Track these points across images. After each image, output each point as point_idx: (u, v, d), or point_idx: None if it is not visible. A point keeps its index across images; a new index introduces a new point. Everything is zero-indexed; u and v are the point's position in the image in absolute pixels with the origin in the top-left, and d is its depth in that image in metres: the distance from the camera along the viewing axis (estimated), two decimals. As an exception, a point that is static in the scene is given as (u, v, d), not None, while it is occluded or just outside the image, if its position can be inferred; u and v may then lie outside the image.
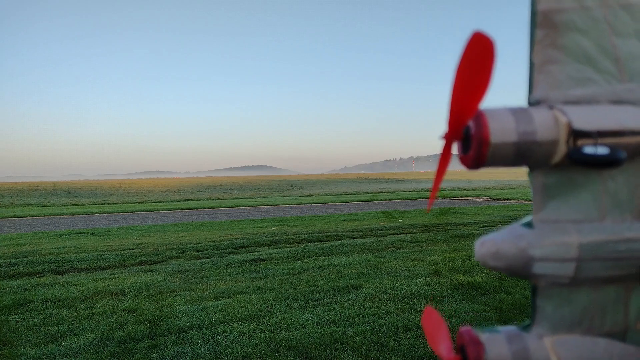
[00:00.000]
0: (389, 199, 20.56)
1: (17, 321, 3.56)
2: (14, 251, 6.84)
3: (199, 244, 7.12)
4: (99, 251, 6.66)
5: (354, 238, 7.44)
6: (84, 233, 9.24)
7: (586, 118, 0.29)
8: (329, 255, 5.96)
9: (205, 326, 3.33)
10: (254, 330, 3.23)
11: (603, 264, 0.30)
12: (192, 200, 23.36)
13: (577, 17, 0.30)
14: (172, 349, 2.95)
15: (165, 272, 5.18)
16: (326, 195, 25.33)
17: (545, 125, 0.29)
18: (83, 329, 3.35)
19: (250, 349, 2.89)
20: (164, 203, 20.89)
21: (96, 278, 4.96)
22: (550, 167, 0.30)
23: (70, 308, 3.87)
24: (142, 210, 15.96)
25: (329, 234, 7.96)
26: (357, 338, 3.01)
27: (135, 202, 22.00)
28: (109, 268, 5.54)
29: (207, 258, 6.00)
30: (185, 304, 3.90)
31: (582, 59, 0.30)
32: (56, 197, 27.88)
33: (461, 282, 4.30)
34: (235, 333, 3.18)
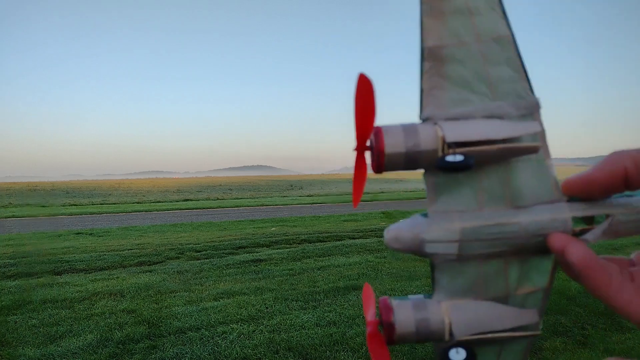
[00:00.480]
0: (390, 199, 20.55)
1: (16, 322, 3.54)
2: (13, 251, 6.81)
3: (198, 244, 7.10)
4: (97, 251, 6.64)
5: (354, 239, 7.43)
6: (82, 233, 9.22)
7: (457, 131, 0.37)
8: (329, 256, 5.94)
9: (204, 327, 3.32)
10: (254, 331, 3.21)
11: (481, 243, 0.38)
12: (191, 200, 23.33)
13: (456, 51, 0.38)
14: (171, 350, 2.93)
15: (164, 272, 5.16)
16: (326, 195, 25.32)
17: (428, 138, 0.37)
18: (82, 329, 3.34)
19: (249, 350, 2.88)
20: (163, 203, 20.87)
21: (95, 279, 4.94)
22: (436, 170, 0.39)
23: (69, 309, 3.85)
24: (141, 211, 15.93)
25: (329, 234, 7.94)
26: (357, 339, 3.00)
27: (134, 203, 21.97)
28: (107, 268, 5.52)
29: (206, 259, 5.98)
30: (185, 304, 3.89)
31: (461, 84, 0.39)
32: (55, 197, 27.84)
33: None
34: (235, 334, 3.16)
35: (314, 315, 3.47)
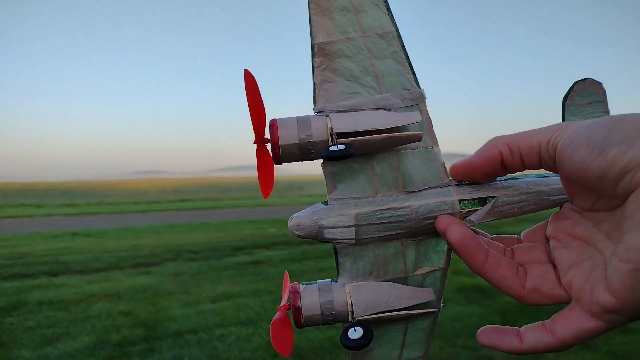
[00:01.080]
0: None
1: (11, 323, 3.50)
2: (9, 252, 6.75)
3: (195, 245, 7.06)
4: (94, 253, 6.59)
5: (352, 240, 7.40)
6: (78, 234, 9.15)
7: (344, 122, 0.39)
8: (328, 257, 5.91)
9: (202, 330, 3.28)
10: (252, 334, 3.18)
11: (376, 227, 0.40)
12: (188, 200, 23.27)
13: (344, 46, 0.40)
14: (168, 353, 2.90)
15: (161, 274, 5.12)
16: (326, 195, 25.26)
17: (319, 130, 0.39)
18: (78, 331, 3.30)
19: (248, 354, 2.85)
20: (160, 204, 20.78)
21: (91, 280, 4.89)
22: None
23: (65, 310, 3.81)
24: (138, 211, 15.85)
25: (327, 235, 7.92)
26: (357, 342, 2.97)
27: (130, 203, 21.88)
28: (104, 270, 5.47)
29: (203, 260, 5.94)
30: (182, 307, 3.85)
31: (350, 77, 0.41)
32: (51, 198, 27.71)
33: (465, 284, 4.26)
34: (233, 337, 3.13)
35: (313, 318, 3.45)
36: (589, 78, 0.46)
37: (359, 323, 0.41)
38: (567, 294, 0.36)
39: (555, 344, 0.34)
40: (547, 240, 0.40)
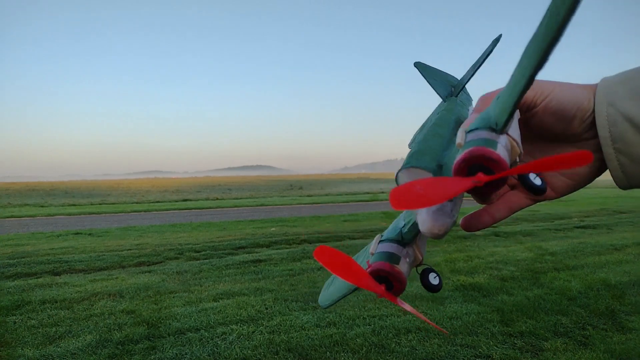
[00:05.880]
0: (388, 200, 20.44)
1: (15, 322, 3.53)
2: (12, 252, 6.79)
3: (197, 244, 7.08)
4: (96, 252, 6.62)
5: (354, 239, 7.41)
6: (81, 233, 9.19)
7: None
8: (328, 256, 5.92)
9: (203, 328, 3.30)
10: (253, 332, 3.20)
11: None
12: (190, 200, 23.29)
13: None
14: (170, 350, 2.92)
15: (163, 273, 5.14)
16: (326, 195, 25.28)
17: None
18: (81, 330, 3.33)
19: (249, 351, 2.87)
20: (162, 203, 20.82)
21: (94, 279, 4.92)
22: None
23: (68, 309, 3.84)
24: (140, 211, 15.89)
25: (329, 234, 7.93)
26: (357, 340, 2.99)
27: (133, 203, 21.92)
28: (106, 269, 5.50)
29: (205, 259, 5.96)
30: (184, 305, 3.88)
31: None
32: (54, 198, 27.78)
33: (463, 283, 4.28)
34: (234, 335, 3.15)
35: (314, 316, 3.46)
36: None
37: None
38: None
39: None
40: None
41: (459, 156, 0.31)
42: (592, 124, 0.39)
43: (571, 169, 0.41)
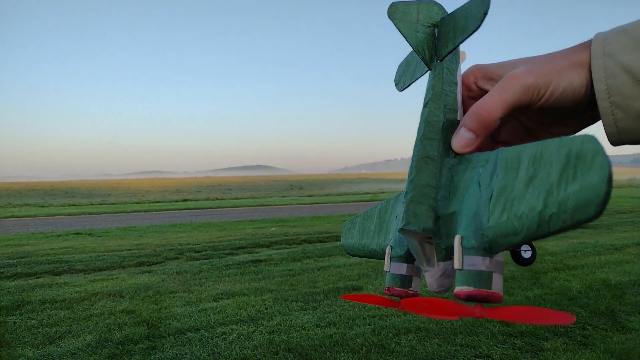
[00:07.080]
0: (388, 200, 20.44)
1: (15, 322, 3.53)
2: (12, 252, 6.79)
3: (197, 244, 7.09)
4: (96, 252, 6.62)
5: (353, 239, 7.40)
6: (81, 234, 9.19)
7: None
8: (329, 256, 5.93)
9: (203, 328, 3.31)
10: (253, 332, 3.20)
11: None
12: (190, 200, 23.29)
13: None
14: (170, 350, 2.92)
15: (163, 273, 5.14)
16: (326, 195, 25.27)
17: None
18: (81, 330, 3.33)
19: (249, 351, 2.87)
20: (162, 203, 20.82)
21: (94, 279, 4.92)
22: None
23: (68, 309, 3.84)
24: (140, 211, 15.89)
25: (329, 234, 7.93)
26: (357, 340, 2.99)
27: (133, 203, 21.92)
28: (106, 269, 5.50)
29: (205, 259, 5.96)
30: (184, 305, 3.88)
31: None
32: (54, 198, 27.78)
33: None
34: (234, 335, 3.15)
35: (314, 316, 3.46)
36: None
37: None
38: None
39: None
40: None
41: (459, 289, 0.32)
42: (589, 100, 0.38)
43: (558, 121, 0.42)
